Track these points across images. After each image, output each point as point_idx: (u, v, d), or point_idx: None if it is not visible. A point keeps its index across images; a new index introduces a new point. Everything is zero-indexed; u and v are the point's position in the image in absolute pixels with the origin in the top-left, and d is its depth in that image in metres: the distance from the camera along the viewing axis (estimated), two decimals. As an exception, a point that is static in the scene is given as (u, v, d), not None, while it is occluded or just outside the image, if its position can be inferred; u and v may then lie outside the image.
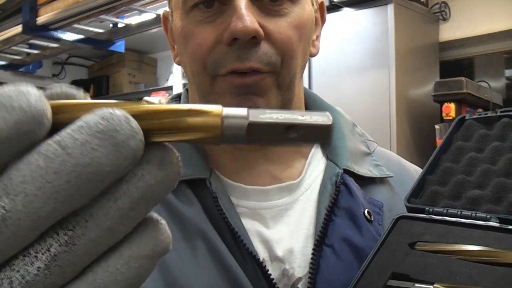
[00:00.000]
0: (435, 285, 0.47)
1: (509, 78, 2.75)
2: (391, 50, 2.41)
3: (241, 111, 0.24)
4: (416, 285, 0.48)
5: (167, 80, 3.99)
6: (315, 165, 0.66)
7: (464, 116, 0.67)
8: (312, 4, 0.63)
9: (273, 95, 0.58)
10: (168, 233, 0.26)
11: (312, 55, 0.65)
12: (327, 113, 0.25)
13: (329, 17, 2.65)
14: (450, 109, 2.31)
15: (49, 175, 0.22)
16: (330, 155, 0.67)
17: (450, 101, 2.33)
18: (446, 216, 0.55)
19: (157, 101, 3.65)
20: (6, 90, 0.23)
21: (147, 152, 0.24)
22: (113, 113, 0.23)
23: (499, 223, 0.51)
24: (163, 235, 0.25)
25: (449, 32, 2.81)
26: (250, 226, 0.60)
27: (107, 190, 0.23)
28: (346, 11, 2.59)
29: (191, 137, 0.24)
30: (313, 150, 0.68)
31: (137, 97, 4.08)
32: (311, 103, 0.71)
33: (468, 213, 0.54)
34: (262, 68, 0.56)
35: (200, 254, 0.56)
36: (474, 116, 0.66)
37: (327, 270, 0.57)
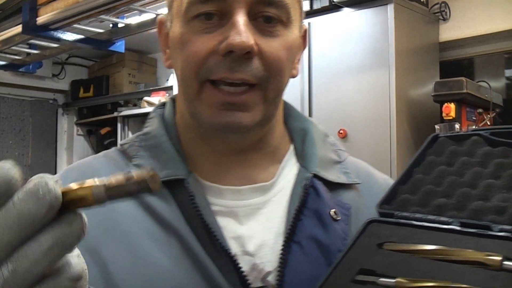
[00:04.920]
0: (397, 279, 0.53)
1: (509, 78, 2.75)
2: (391, 50, 2.41)
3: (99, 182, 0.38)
4: (380, 279, 0.54)
5: (167, 80, 3.99)
6: (288, 170, 0.72)
7: (438, 134, 0.74)
8: (299, 30, 0.69)
9: (259, 110, 0.64)
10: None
11: (293, 76, 0.71)
12: (150, 168, 0.37)
13: (329, 17, 2.65)
14: (450, 109, 2.31)
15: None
16: (302, 161, 0.72)
17: (450, 101, 2.32)
18: (413, 220, 0.61)
19: (157, 101, 3.65)
20: None
21: (63, 214, 0.36)
22: (40, 180, 0.35)
23: (460, 226, 0.58)
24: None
25: (449, 32, 2.81)
26: (224, 223, 0.65)
27: (34, 234, 0.34)
28: (346, 11, 2.59)
29: (83, 204, 0.37)
30: (287, 156, 0.74)
31: (137, 97, 4.08)
32: (287, 113, 0.77)
33: (432, 217, 0.60)
34: (250, 80, 0.62)
35: (175, 250, 0.61)
36: (446, 134, 0.73)
37: (295, 264, 0.63)
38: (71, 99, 4.65)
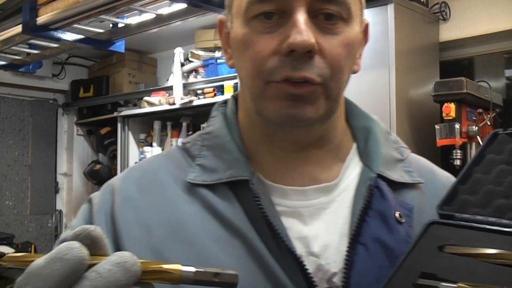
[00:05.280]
0: (458, 284, 0.52)
1: (509, 78, 2.75)
2: (391, 50, 2.41)
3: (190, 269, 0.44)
4: (442, 283, 0.53)
5: (167, 80, 3.99)
6: (351, 169, 0.71)
7: (497, 131, 0.72)
8: (360, 26, 0.68)
9: (322, 105, 0.64)
10: None
11: (354, 72, 0.70)
12: (236, 273, 0.44)
13: (329, 17, 2.65)
14: (450, 109, 2.31)
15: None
16: (365, 160, 0.71)
17: (450, 101, 2.32)
18: (473, 222, 0.60)
19: (157, 101, 3.65)
20: (62, 246, 0.43)
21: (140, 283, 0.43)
22: (124, 254, 0.43)
23: None
24: None
25: (449, 32, 2.81)
26: (289, 224, 0.65)
27: None
28: (346, 11, 2.59)
29: (164, 278, 0.43)
30: (350, 154, 0.73)
31: (137, 97, 4.08)
32: (349, 112, 0.77)
33: (493, 219, 0.59)
34: (313, 79, 0.61)
35: (239, 252, 0.62)
36: (506, 131, 0.71)
37: (360, 266, 0.62)
38: (71, 99, 4.65)
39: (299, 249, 0.63)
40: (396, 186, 0.70)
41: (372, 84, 2.46)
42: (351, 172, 0.71)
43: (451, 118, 2.30)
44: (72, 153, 4.72)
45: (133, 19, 2.98)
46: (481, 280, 0.52)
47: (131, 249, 0.62)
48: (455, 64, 2.83)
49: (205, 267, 0.56)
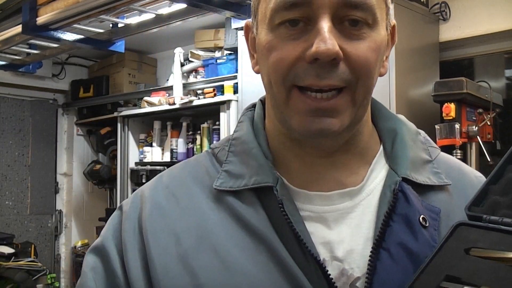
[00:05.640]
0: None
1: (509, 78, 2.75)
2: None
3: None
4: (466, 287, 0.53)
5: (167, 80, 3.99)
6: (377, 172, 0.71)
7: None
8: (386, 29, 0.68)
9: (347, 114, 0.63)
10: None
11: (381, 75, 0.70)
12: None
13: (329, 17, 2.65)
14: (450, 109, 2.31)
15: None
16: (391, 163, 0.71)
17: (450, 101, 2.32)
18: (501, 224, 0.59)
19: (157, 101, 3.65)
20: None
21: None
22: None
23: None
24: None
25: (449, 32, 2.81)
26: (313, 229, 0.65)
27: None
28: (346, 11, 2.59)
29: None
30: (376, 158, 0.72)
31: (137, 97, 4.08)
32: (376, 113, 0.76)
33: None
34: (338, 85, 0.61)
35: (263, 258, 0.62)
36: None
37: (383, 271, 0.62)
38: (71, 99, 4.65)
39: (323, 254, 0.64)
40: (423, 188, 0.69)
41: (372, 84, 2.46)
42: (377, 175, 0.70)
43: (451, 118, 2.30)
44: (72, 153, 4.72)
45: (133, 19, 2.97)
46: (506, 285, 0.51)
47: (158, 257, 0.64)
48: (455, 64, 2.83)
49: (230, 274, 0.58)
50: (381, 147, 0.74)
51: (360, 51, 0.62)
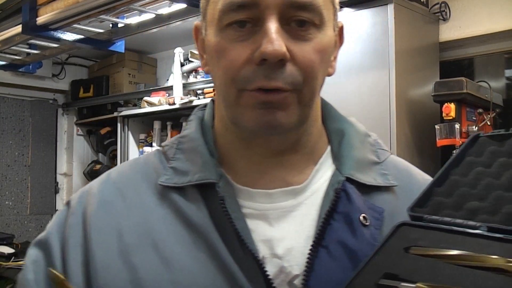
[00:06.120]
0: (417, 284, 0.53)
1: (509, 78, 2.75)
2: (391, 50, 2.41)
3: None
4: (402, 284, 0.54)
5: (167, 80, 3.99)
6: (323, 172, 0.72)
7: (479, 134, 0.72)
8: (333, 29, 0.69)
9: (294, 110, 0.64)
10: None
11: (329, 75, 0.71)
12: None
13: (329, 17, 2.65)
14: (450, 109, 2.31)
15: None
16: (337, 163, 0.72)
17: (450, 101, 2.32)
18: (441, 223, 0.61)
19: (157, 101, 3.65)
20: None
21: None
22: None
23: (487, 231, 0.57)
24: None
25: (449, 32, 2.81)
26: (255, 226, 0.66)
27: None
28: (346, 11, 2.59)
29: None
30: (323, 158, 0.73)
31: (137, 97, 4.08)
32: (326, 114, 0.77)
33: (460, 221, 0.60)
34: (285, 88, 0.62)
35: (202, 254, 0.63)
36: (488, 133, 0.70)
37: (321, 269, 0.63)
38: (71, 99, 4.65)
39: (263, 251, 0.64)
40: (368, 189, 0.70)
41: (372, 84, 2.46)
42: (323, 175, 0.71)
43: (451, 118, 2.30)
44: (72, 153, 4.72)
45: (133, 19, 2.97)
46: (443, 281, 0.52)
47: (100, 253, 0.65)
48: (455, 64, 2.83)
49: (169, 270, 0.58)
50: (329, 148, 0.75)
51: (306, 52, 0.63)
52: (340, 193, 0.67)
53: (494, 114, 2.49)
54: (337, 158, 0.73)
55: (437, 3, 2.78)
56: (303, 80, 0.63)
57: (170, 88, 3.66)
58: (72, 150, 4.72)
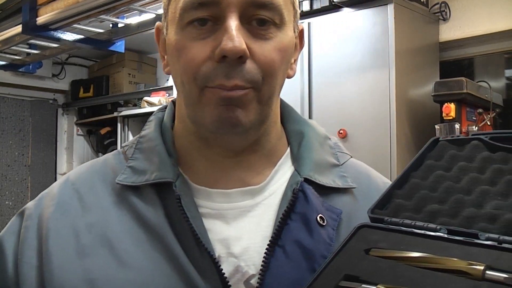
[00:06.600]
0: (378, 286, 0.53)
1: (509, 78, 2.75)
2: (391, 50, 2.41)
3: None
4: (363, 285, 0.54)
5: (167, 80, 3.99)
6: (282, 173, 0.72)
7: (438, 138, 0.73)
8: (294, 31, 0.69)
9: (253, 109, 0.64)
10: None
11: (289, 77, 0.71)
12: None
13: (329, 17, 2.65)
14: (450, 109, 2.31)
15: None
16: (295, 165, 0.73)
17: (450, 101, 2.32)
18: (401, 226, 0.61)
19: (157, 101, 3.65)
20: None
21: None
22: None
23: (447, 234, 0.57)
24: None
25: (449, 32, 2.81)
26: (212, 225, 0.66)
27: None
28: (346, 11, 2.59)
29: None
30: (282, 159, 0.74)
31: (137, 97, 4.08)
32: (286, 116, 0.78)
33: (420, 224, 0.60)
34: (244, 86, 0.62)
35: (157, 254, 0.63)
36: (447, 138, 0.72)
37: (277, 268, 0.63)
38: (71, 99, 4.65)
39: (219, 251, 0.64)
40: (327, 190, 0.71)
41: (372, 84, 2.46)
42: (282, 176, 0.72)
43: (451, 118, 2.30)
44: (72, 153, 4.72)
45: (133, 19, 2.98)
46: (404, 283, 0.52)
47: (56, 254, 0.64)
48: (455, 64, 2.83)
49: (124, 270, 0.58)
50: (288, 149, 0.75)
51: (266, 50, 0.63)
52: (298, 193, 0.67)
53: (494, 114, 2.49)
54: (296, 159, 0.73)
55: (437, 3, 2.78)
56: (262, 78, 0.63)
57: (170, 88, 3.66)
58: (72, 150, 4.72)
